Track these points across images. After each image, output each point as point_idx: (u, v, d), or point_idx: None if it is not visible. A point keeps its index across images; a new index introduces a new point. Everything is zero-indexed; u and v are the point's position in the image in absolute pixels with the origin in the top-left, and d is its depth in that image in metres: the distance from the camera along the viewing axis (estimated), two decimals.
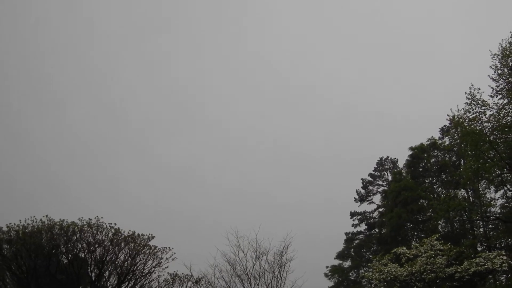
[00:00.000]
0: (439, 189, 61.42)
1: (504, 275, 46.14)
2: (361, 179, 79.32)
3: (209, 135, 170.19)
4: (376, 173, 79.22)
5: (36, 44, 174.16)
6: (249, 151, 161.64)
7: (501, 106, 38.19)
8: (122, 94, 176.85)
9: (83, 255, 43.27)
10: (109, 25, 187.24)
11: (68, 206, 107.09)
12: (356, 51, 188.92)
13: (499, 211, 51.01)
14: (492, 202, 50.58)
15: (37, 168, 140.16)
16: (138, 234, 43.80)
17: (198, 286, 43.93)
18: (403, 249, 40.50)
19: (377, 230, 72.87)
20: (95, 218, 42.66)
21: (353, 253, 78.94)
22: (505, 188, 46.58)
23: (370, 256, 67.47)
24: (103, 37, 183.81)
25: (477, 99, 37.59)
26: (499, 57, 38.49)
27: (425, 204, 58.64)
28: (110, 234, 42.81)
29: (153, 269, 44.94)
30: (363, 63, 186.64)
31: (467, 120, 38.31)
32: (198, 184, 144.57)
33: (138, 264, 44.13)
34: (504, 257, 35.83)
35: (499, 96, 38.71)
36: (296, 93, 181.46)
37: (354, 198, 78.67)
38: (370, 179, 79.04)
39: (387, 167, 79.07)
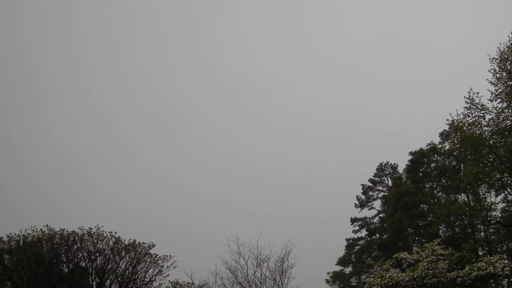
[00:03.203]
0: (440, 193, 61.35)
1: (506, 279, 46.05)
2: (361, 184, 79.33)
3: (196, 148, 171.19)
4: (376, 178, 79.16)
5: (22, 53, 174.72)
6: (238, 165, 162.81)
7: (500, 110, 38.21)
8: (109, 104, 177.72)
9: (84, 264, 43.22)
10: (93, 34, 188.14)
11: (55, 214, 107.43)
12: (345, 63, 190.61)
13: (500, 215, 50.90)
14: (492, 206, 50.43)
15: (22, 176, 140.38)
16: (139, 243, 43.76)
17: None
18: (404, 254, 40.41)
19: (378, 236, 72.77)
20: (95, 227, 42.72)
21: (354, 259, 78.80)
22: (506, 192, 46.53)
23: (371, 262, 67.29)
24: (88, 47, 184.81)
25: (476, 103, 37.67)
26: (498, 61, 38.54)
27: (425, 209, 58.56)
28: (110, 243, 42.79)
29: (154, 277, 44.90)
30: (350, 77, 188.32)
31: (466, 125, 38.35)
32: (188, 196, 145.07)
33: (139, 273, 44.08)
34: (506, 261, 35.68)
35: (498, 100, 38.74)
36: (280, 111, 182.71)
37: (355, 204, 78.63)
38: (370, 184, 78.99)
39: (387, 172, 79.03)
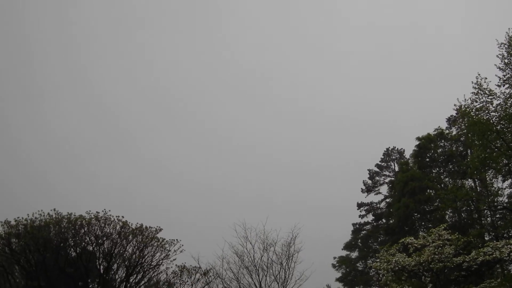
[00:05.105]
0: (446, 179, 61.24)
1: None
2: (367, 170, 79.24)
3: (201, 139, 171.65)
4: (383, 163, 79.06)
5: (20, 41, 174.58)
6: (237, 153, 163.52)
7: (508, 95, 37.99)
8: (107, 91, 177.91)
9: (91, 248, 43.42)
10: (94, 22, 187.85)
11: (53, 202, 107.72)
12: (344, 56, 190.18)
13: (506, 200, 50.85)
14: (499, 192, 50.36)
15: (23, 167, 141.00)
16: (146, 227, 43.88)
17: (206, 277, 44.05)
18: (410, 239, 40.49)
19: (384, 221, 72.84)
20: (102, 211, 42.80)
21: (360, 244, 78.86)
22: None
23: (378, 247, 67.38)
24: (88, 33, 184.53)
25: (484, 88, 37.45)
26: (506, 46, 38.28)
27: (432, 194, 58.53)
28: (118, 227, 42.90)
29: (161, 261, 45.06)
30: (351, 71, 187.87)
31: (474, 110, 38.18)
32: (194, 186, 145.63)
33: (146, 257, 44.25)
34: None
35: (506, 86, 38.48)
36: (285, 104, 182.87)
37: (361, 189, 78.58)
38: (377, 169, 78.92)
39: (393, 157, 78.89)
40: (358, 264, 78.41)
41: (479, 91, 37.54)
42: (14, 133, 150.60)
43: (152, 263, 44.82)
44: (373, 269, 42.12)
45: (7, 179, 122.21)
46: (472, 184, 55.62)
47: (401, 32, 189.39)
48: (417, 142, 61.89)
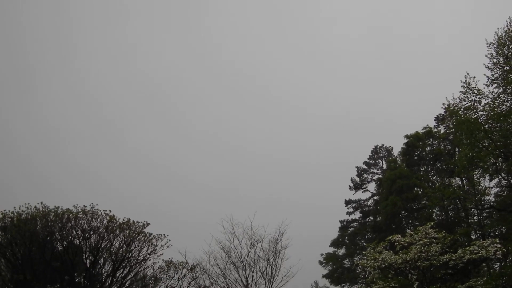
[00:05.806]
0: (434, 177, 61.42)
1: (498, 263, 46.32)
2: (356, 167, 79.36)
3: (199, 136, 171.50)
4: (371, 161, 79.22)
5: (19, 41, 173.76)
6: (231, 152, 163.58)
7: (496, 95, 38.20)
8: (107, 92, 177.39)
9: (78, 242, 43.25)
10: (83, 13, 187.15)
11: (53, 201, 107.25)
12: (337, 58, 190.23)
13: (493, 199, 51.07)
14: (486, 191, 50.61)
15: (20, 163, 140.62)
16: (133, 221, 43.75)
17: (193, 273, 44.03)
18: (397, 237, 40.50)
19: (371, 218, 72.97)
20: (90, 205, 42.64)
21: (347, 241, 78.92)
22: (500, 177, 46.62)
23: (365, 244, 67.54)
24: (88, 33, 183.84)
25: (473, 87, 37.58)
26: (495, 46, 38.46)
27: (420, 192, 58.68)
28: (105, 221, 42.76)
29: (148, 256, 44.98)
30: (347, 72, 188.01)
31: (462, 109, 38.30)
32: (185, 183, 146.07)
33: (133, 251, 44.14)
34: (498, 245, 35.87)
35: (495, 85, 38.70)
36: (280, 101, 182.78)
37: (349, 186, 78.70)
38: (365, 167, 79.06)
39: (382, 155, 79.05)
40: (345, 261, 78.43)
41: (467, 90, 37.68)
42: (13, 133, 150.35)
43: (139, 258, 44.74)
44: (360, 266, 42.07)
45: (7, 179, 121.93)
46: (460, 183, 55.82)
47: (401, 32, 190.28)
48: (406, 140, 62.11)
